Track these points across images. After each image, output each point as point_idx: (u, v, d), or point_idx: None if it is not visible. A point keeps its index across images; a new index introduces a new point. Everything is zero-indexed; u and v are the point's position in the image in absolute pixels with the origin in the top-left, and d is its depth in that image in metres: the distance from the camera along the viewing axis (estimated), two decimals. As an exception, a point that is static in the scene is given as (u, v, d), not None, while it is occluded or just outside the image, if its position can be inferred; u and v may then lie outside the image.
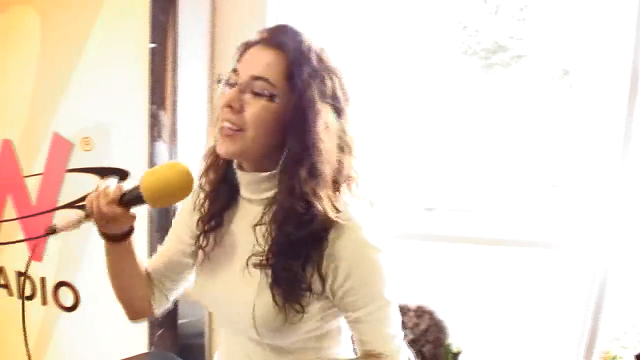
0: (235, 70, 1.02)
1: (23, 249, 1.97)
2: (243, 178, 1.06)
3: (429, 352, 1.88)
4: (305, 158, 1.01)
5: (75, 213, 1.02)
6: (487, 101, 2.22)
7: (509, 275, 2.43)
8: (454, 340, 1.89)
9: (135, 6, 1.81)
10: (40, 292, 1.96)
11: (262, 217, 1.05)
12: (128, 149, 1.86)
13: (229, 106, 1.02)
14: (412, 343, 1.73)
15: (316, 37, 1.08)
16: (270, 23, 1.95)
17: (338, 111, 1.04)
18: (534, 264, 2.29)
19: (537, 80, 2.16)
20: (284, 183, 1.02)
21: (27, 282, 1.99)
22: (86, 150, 1.87)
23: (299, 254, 1.03)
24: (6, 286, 2.06)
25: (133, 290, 1.20)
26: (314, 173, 1.02)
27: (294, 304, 1.03)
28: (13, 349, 2.00)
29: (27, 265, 1.93)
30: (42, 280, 1.95)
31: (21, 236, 1.98)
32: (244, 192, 1.08)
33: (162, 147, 1.84)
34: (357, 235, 1.03)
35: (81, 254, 1.90)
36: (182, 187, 1.01)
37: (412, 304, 1.78)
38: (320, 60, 1.04)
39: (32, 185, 1.95)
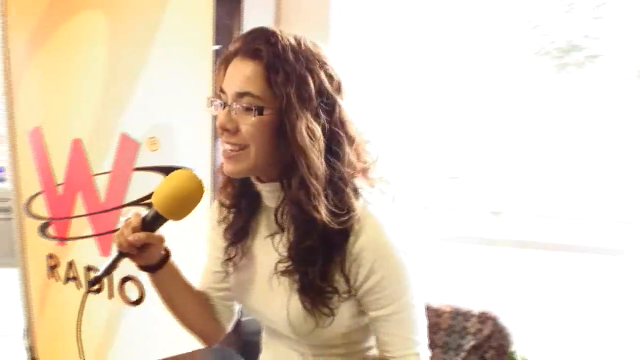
0: (222, 90, 1.00)
1: (92, 245, 2.04)
2: (262, 188, 1.06)
3: (492, 359, 1.84)
4: (295, 168, 0.99)
5: (111, 256, 1.04)
6: (560, 102, 2.14)
7: (578, 282, 2.34)
8: (519, 348, 1.84)
9: (200, 9, 1.82)
10: (107, 286, 2.03)
11: (277, 225, 1.04)
12: (192, 149, 1.89)
13: (224, 129, 1.00)
14: (475, 349, 1.69)
15: (294, 33, 1.03)
16: (334, 25, 1.93)
17: (328, 106, 1.00)
18: (605, 271, 2.20)
19: (613, 80, 2.06)
20: (285, 193, 1.01)
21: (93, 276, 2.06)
22: (152, 150, 1.92)
23: (316, 260, 1.02)
24: (75, 279, 2.14)
25: (194, 315, 1.22)
26: (303, 183, 0.98)
27: (322, 307, 1.03)
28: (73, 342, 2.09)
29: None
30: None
31: (90, 232, 2.06)
32: (265, 201, 1.08)
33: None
34: (377, 233, 1.01)
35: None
36: (192, 189, 1.02)
37: (476, 309, 1.73)
38: (298, 58, 0.98)
39: (101, 183, 2.00)
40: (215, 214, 1.18)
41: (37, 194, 2.18)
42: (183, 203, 1.02)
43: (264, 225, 1.10)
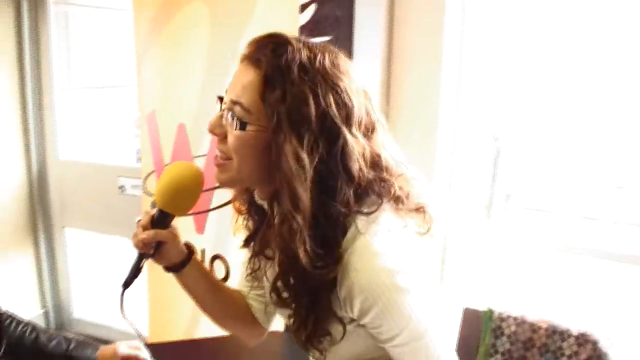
0: (226, 91, 0.94)
1: (190, 222, 2.19)
2: (262, 204, 1.01)
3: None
4: (280, 195, 0.91)
5: (134, 259, 1.04)
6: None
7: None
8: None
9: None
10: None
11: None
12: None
13: (212, 134, 0.95)
14: (569, 373, 1.55)
15: (315, 45, 0.92)
16: (450, 19, 1.85)
17: (330, 135, 0.89)
18: None
19: None
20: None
21: None
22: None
23: (300, 299, 0.95)
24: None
25: (227, 315, 1.21)
26: (286, 216, 0.90)
27: (316, 345, 0.97)
28: (176, 313, 2.25)
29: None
30: (202, 252, 2.16)
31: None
32: None
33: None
34: (364, 269, 0.90)
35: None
36: (185, 181, 1.00)
37: (575, 329, 1.58)
38: (303, 76, 0.88)
39: (199, 165, 2.13)
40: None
41: (150, 173, 2.38)
42: (180, 196, 1.00)
43: None
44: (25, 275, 3.53)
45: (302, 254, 0.89)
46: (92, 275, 3.65)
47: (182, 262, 1.09)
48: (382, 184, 0.94)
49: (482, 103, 2.03)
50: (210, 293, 1.17)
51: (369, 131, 0.95)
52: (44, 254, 3.61)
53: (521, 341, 1.60)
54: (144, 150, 2.42)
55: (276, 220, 0.93)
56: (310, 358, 1.16)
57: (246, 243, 1.11)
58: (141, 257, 1.04)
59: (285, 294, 0.97)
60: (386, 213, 0.94)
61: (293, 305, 0.97)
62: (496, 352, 1.62)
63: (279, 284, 0.96)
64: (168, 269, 1.10)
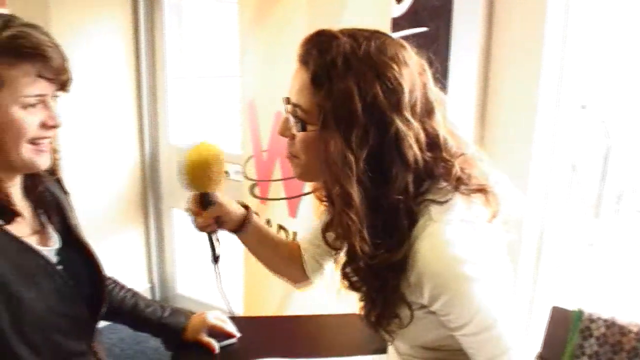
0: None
1: (284, 206, 2.27)
2: None
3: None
4: (332, 195, 0.92)
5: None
6: None
7: None
8: None
9: None
10: (292, 245, 2.25)
11: None
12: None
13: (282, 136, 0.98)
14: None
15: (359, 33, 0.91)
16: (551, 10, 1.78)
17: (381, 124, 0.89)
18: None
19: None
20: None
21: (284, 235, 2.30)
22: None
23: (369, 284, 0.98)
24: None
25: (278, 263, 1.32)
26: (340, 213, 0.91)
27: (386, 326, 1.00)
28: (270, 291, 2.35)
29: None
30: (294, 234, 2.23)
31: (283, 195, 2.29)
32: None
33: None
34: (434, 257, 0.90)
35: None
36: (201, 159, 1.07)
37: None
38: (348, 69, 0.88)
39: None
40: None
41: (249, 158, 2.48)
42: (206, 176, 1.08)
43: None
44: (135, 251, 3.78)
45: (358, 246, 0.91)
46: (196, 255, 3.85)
47: (242, 223, 1.19)
48: (442, 165, 0.94)
49: (590, 97, 1.94)
50: (265, 247, 1.29)
51: (425, 112, 0.94)
52: (153, 232, 3.84)
53: (610, 344, 1.53)
54: (244, 136, 2.52)
55: (335, 219, 0.95)
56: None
57: (326, 229, 1.14)
58: (209, 236, 1.15)
59: (354, 279, 1.00)
60: (460, 203, 0.94)
61: (363, 288, 1.00)
62: (583, 353, 1.56)
63: (348, 269, 0.99)
64: (232, 231, 1.20)
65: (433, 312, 0.96)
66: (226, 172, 3.14)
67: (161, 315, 1.41)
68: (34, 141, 1.02)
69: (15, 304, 1.00)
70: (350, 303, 1.17)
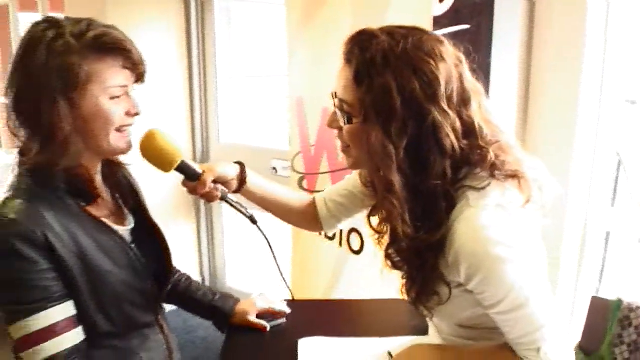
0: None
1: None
2: None
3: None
4: (375, 182, 1.01)
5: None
6: None
7: None
8: None
9: None
10: (338, 235, 2.34)
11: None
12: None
13: (330, 128, 1.06)
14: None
15: (397, 30, 0.98)
16: (592, 6, 1.78)
17: (418, 115, 0.95)
18: None
19: None
20: None
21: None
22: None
23: (409, 262, 1.05)
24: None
25: (288, 217, 1.44)
26: (382, 198, 1.00)
27: (425, 302, 1.06)
28: (316, 276, 2.44)
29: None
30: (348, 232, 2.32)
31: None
32: None
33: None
34: (470, 238, 0.96)
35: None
36: (143, 140, 1.20)
37: None
38: (386, 66, 0.95)
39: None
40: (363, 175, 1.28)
41: (296, 154, 2.59)
42: (154, 153, 1.20)
43: None
44: (186, 245, 3.91)
45: (399, 228, 0.99)
46: (244, 250, 3.95)
47: (239, 185, 1.31)
48: (477, 152, 1.00)
49: (633, 94, 1.95)
50: (275, 202, 1.39)
51: (461, 101, 1.00)
52: (203, 226, 3.97)
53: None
54: (292, 133, 2.63)
55: (379, 202, 1.05)
56: (428, 324, 1.28)
57: (370, 214, 1.24)
58: (224, 202, 1.26)
59: (396, 259, 1.08)
60: (495, 190, 1.00)
61: (404, 268, 1.08)
62: (621, 342, 1.59)
63: (390, 250, 1.08)
64: (236, 192, 1.31)
65: (469, 291, 1.02)
66: (273, 169, 3.21)
67: (211, 299, 1.51)
68: (118, 129, 1.14)
69: (94, 276, 1.12)
70: (394, 289, 1.22)
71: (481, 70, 1.77)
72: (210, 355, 3.23)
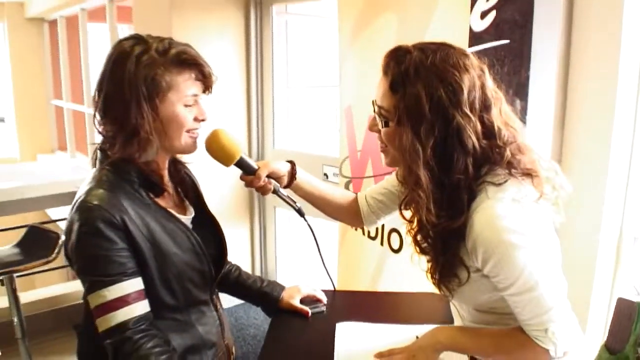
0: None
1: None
2: None
3: None
4: (406, 176, 1.14)
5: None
6: None
7: None
8: None
9: (460, 11, 2.04)
10: (380, 235, 2.48)
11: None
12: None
13: (372, 130, 1.20)
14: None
15: (427, 46, 1.11)
16: (628, 22, 1.83)
17: (444, 119, 1.09)
18: None
19: None
20: None
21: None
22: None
23: (435, 247, 1.17)
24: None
25: (332, 212, 1.59)
26: (411, 190, 1.14)
27: (447, 284, 1.19)
28: (361, 270, 2.58)
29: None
30: (382, 225, 2.46)
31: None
32: None
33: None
34: (486, 226, 1.08)
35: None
36: (209, 138, 1.40)
37: None
38: (417, 77, 1.09)
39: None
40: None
41: (345, 158, 2.75)
42: (218, 149, 1.40)
43: None
44: (241, 247, 4.11)
45: (425, 216, 1.13)
46: (296, 253, 4.13)
47: (289, 182, 1.49)
48: (497, 150, 1.13)
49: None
50: (315, 195, 1.55)
51: (483, 106, 1.13)
52: (257, 230, 4.17)
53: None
54: (342, 139, 2.79)
55: (409, 192, 1.18)
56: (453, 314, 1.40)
57: (403, 205, 1.37)
58: (277, 194, 1.45)
59: (424, 245, 1.22)
60: (512, 185, 1.13)
61: (430, 252, 1.22)
62: (645, 342, 1.64)
63: (419, 236, 1.22)
64: (287, 186, 1.49)
65: (486, 276, 1.16)
66: (325, 175, 3.37)
67: (261, 285, 1.69)
68: (189, 131, 1.34)
69: (161, 256, 1.31)
70: (429, 285, 1.36)
71: (520, 82, 1.88)
72: (259, 351, 3.40)
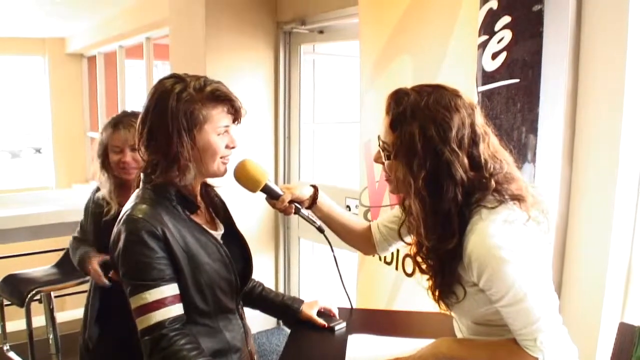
0: None
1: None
2: None
3: None
4: (402, 204, 1.29)
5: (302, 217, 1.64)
6: None
7: None
8: None
9: (468, 55, 2.17)
10: (395, 260, 2.61)
11: None
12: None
13: (377, 162, 1.33)
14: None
15: (425, 90, 1.23)
16: (632, 62, 1.92)
17: (435, 153, 1.20)
18: None
19: None
20: None
21: None
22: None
23: (433, 265, 1.29)
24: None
25: (347, 236, 1.69)
26: (407, 217, 1.29)
27: (444, 299, 1.30)
28: (379, 289, 2.70)
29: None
30: (397, 251, 2.58)
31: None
32: None
33: (528, 167, 2.03)
34: (478, 244, 1.19)
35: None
36: (239, 167, 1.56)
37: None
38: (413, 117, 1.21)
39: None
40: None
41: (364, 189, 2.90)
42: (246, 177, 1.56)
43: None
44: (266, 275, 4.20)
45: (420, 239, 1.27)
46: (318, 280, 4.23)
47: (311, 203, 1.62)
48: (483, 180, 1.25)
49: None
50: (333, 219, 1.66)
51: (472, 142, 1.25)
52: (282, 259, 4.29)
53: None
54: (361, 171, 2.94)
55: (406, 218, 1.34)
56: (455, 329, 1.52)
57: (400, 226, 1.53)
58: (299, 215, 1.61)
59: (423, 265, 1.35)
60: (504, 209, 1.25)
61: (429, 271, 1.34)
62: (645, 364, 1.66)
63: (418, 258, 1.35)
64: (309, 208, 1.62)
65: (482, 290, 1.27)
66: (347, 207, 3.47)
67: (282, 299, 1.85)
68: (222, 157, 1.51)
69: (195, 265, 1.47)
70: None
71: (531, 119, 1.98)
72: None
